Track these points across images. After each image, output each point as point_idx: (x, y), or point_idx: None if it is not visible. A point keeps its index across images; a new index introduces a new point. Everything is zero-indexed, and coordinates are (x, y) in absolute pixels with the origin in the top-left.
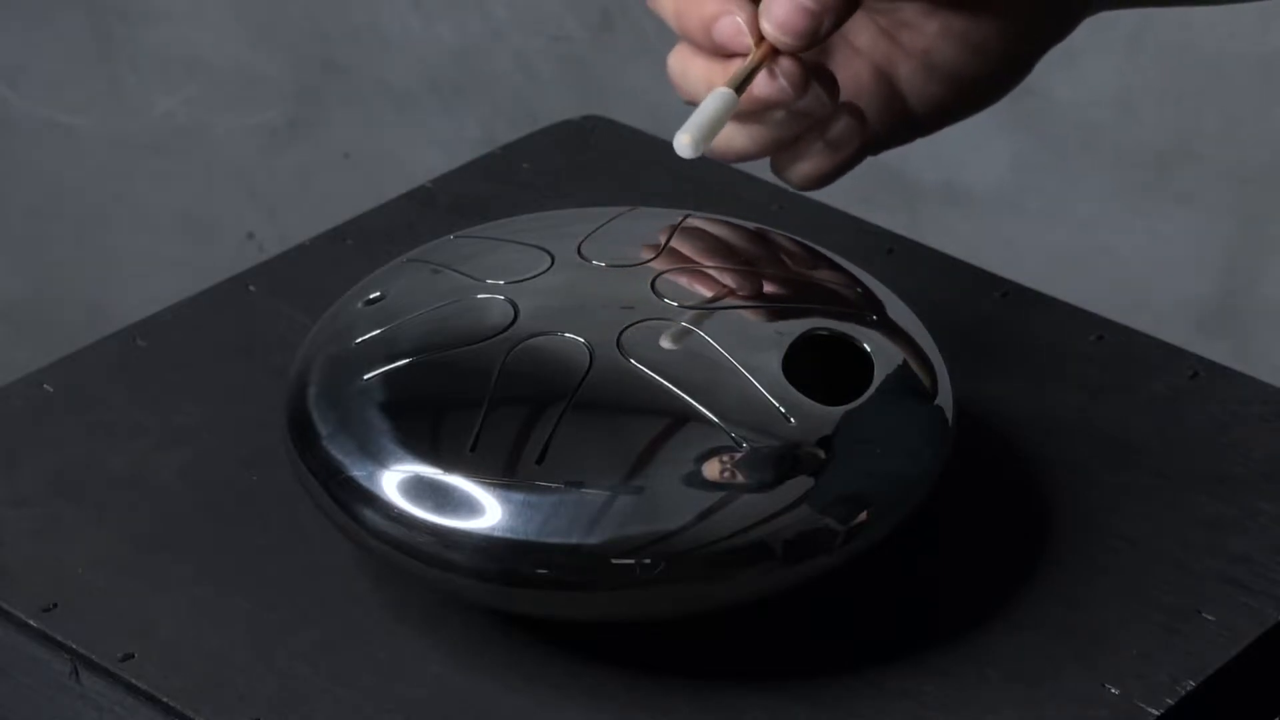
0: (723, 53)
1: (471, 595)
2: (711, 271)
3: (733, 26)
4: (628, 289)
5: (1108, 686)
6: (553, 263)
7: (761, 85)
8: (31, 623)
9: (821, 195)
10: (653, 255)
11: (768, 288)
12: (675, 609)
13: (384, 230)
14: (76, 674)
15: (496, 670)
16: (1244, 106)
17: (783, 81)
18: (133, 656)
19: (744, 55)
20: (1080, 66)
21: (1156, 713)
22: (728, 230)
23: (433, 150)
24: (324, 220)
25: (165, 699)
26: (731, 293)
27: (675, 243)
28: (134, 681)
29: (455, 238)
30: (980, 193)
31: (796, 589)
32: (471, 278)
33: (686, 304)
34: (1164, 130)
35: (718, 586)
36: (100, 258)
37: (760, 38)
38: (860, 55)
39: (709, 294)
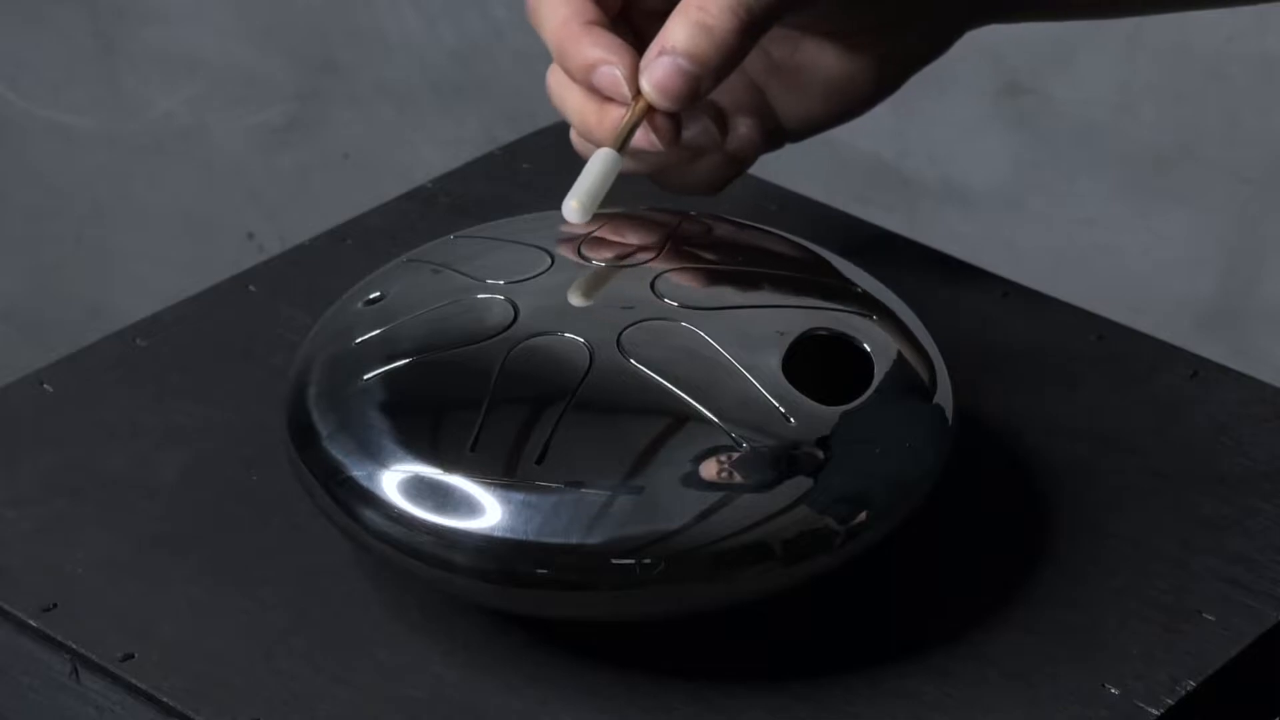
0: (600, 96)
1: (471, 595)
2: (711, 271)
3: (612, 79)
4: (628, 289)
5: (1108, 686)
6: (553, 263)
7: (635, 138)
8: (31, 623)
9: (821, 195)
10: (653, 255)
11: (767, 287)
12: (675, 609)
13: (384, 230)
14: (76, 674)
15: (496, 670)
16: (1244, 106)
17: (654, 137)
18: (133, 656)
19: (623, 103)
20: (1079, 66)
21: (1156, 713)
22: (727, 230)
23: (433, 150)
24: (324, 220)
25: (165, 699)
26: (731, 292)
27: (675, 243)
28: (134, 681)
29: (455, 238)
30: (980, 192)
31: (796, 589)
32: (471, 278)
33: (686, 304)
34: (1164, 130)
35: (718, 586)
36: (100, 258)
37: (639, 91)
38: (736, 69)
39: (709, 294)
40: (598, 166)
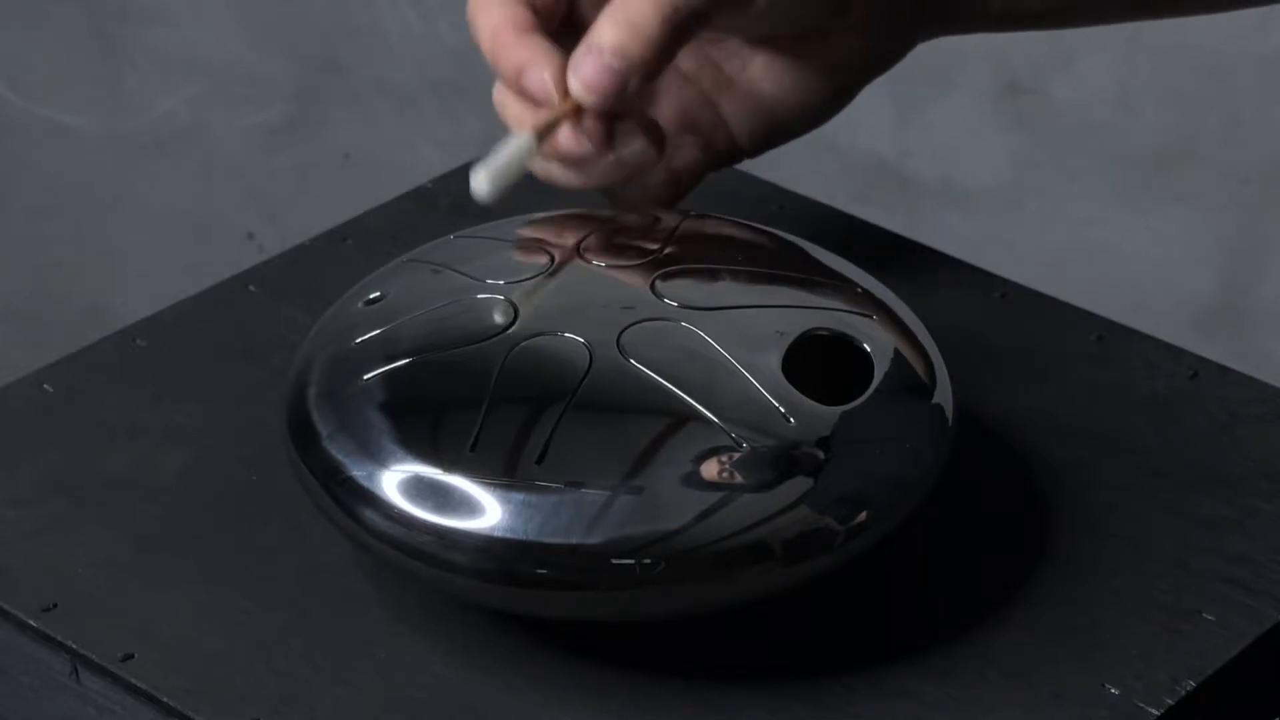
0: (531, 101)
1: (471, 595)
2: (711, 271)
3: (539, 80)
4: (628, 289)
5: (1108, 686)
6: (553, 263)
7: (565, 139)
8: (31, 623)
9: (821, 195)
10: (653, 255)
11: (767, 287)
12: (675, 609)
13: (384, 230)
14: (76, 674)
15: (496, 670)
16: (1244, 106)
17: (585, 140)
18: (133, 656)
19: (552, 107)
20: (1079, 66)
21: (1156, 713)
22: (727, 230)
23: (433, 150)
24: (324, 220)
25: (165, 699)
26: (731, 292)
27: (675, 243)
28: (134, 681)
29: (455, 238)
30: (980, 192)
31: (796, 589)
32: (471, 278)
33: (686, 304)
34: (1164, 130)
35: (718, 586)
36: (100, 258)
37: (568, 90)
38: (688, 83)
39: (709, 294)
40: (511, 148)
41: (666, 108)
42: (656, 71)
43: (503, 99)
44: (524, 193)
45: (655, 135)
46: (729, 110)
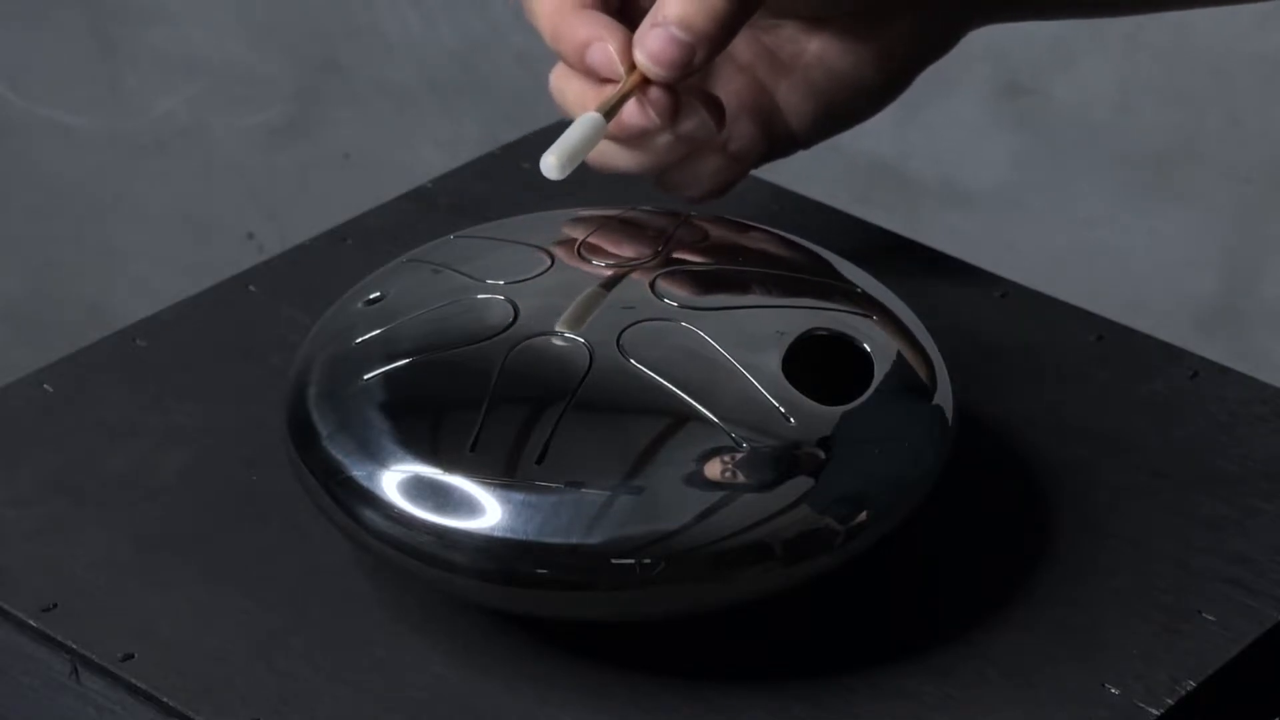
0: (595, 77)
1: (471, 595)
2: (711, 271)
3: (604, 54)
4: (628, 289)
5: (1108, 686)
6: (553, 263)
7: (631, 113)
8: (31, 623)
9: (821, 195)
10: (653, 255)
11: (767, 287)
12: (675, 609)
13: (384, 230)
14: (76, 674)
15: (496, 670)
16: (1244, 106)
17: (651, 111)
18: (133, 656)
19: (617, 81)
20: (1080, 66)
21: (1156, 713)
22: (728, 230)
23: (433, 150)
24: (324, 220)
25: (165, 699)
26: (731, 293)
27: (675, 243)
28: (134, 681)
29: (455, 238)
30: (980, 192)
31: (796, 589)
32: (471, 278)
33: (686, 304)
34: (1164, 130)
35: (718, 586)
36: (100, 258)
37: (633, 65)
38: (742, 71)
39: (709, 294)
40: (580, 128)
41: (723, 96)
42: (722, 44)
43: (562, 82)
44: (526, 193)
45: (715, 109)
46: (785, 97)
